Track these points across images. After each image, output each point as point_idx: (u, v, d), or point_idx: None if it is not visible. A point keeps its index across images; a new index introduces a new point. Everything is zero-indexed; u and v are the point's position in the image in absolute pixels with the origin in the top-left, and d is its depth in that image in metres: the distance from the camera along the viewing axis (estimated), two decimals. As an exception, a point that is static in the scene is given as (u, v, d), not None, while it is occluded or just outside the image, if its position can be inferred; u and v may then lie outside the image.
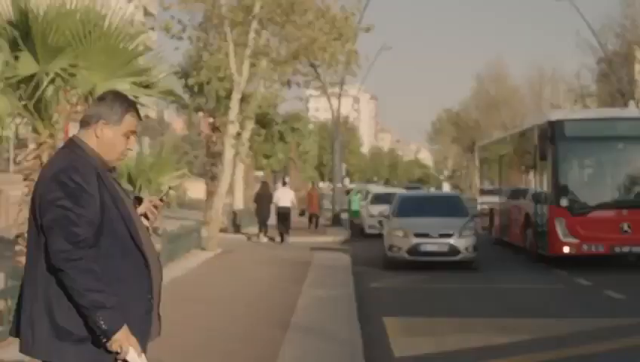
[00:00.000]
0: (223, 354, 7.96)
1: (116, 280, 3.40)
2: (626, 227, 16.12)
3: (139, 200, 3.79)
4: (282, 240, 24.28)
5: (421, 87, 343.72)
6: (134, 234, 3.50)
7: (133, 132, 3.62)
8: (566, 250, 16.18)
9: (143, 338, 3.46)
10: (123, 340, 3.32)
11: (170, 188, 4.00)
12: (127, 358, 3.37)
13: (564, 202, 16.27)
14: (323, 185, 58.56)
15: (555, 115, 17.32)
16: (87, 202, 3.37)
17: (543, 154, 16.99)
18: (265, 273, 15.16)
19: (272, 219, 25.00)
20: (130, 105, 3.61)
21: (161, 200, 3.81)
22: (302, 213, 32.06)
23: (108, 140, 3.56)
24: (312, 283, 13.56)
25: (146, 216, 3.77)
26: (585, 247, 16.10)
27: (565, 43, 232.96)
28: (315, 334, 9.01)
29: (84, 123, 3.59)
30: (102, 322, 3.28)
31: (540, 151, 17.25)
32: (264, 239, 24.81)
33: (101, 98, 3.63)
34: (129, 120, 3.58)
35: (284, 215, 24.61)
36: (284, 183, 28.00)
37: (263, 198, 25.43)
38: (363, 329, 9.48)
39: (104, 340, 3.32)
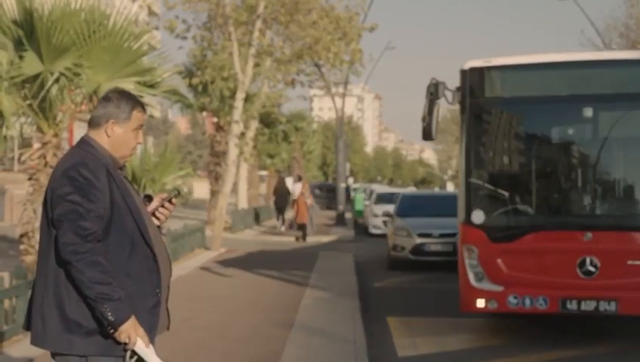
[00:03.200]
0: (226, 353, 7.98)
1: (124, 274, 3.50)
2: (589, 265, 8.45)
3: (149, 199, 3.88)
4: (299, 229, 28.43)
5: (425, 86, 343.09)
6: (143, 229, 3.58)
7: (142, 126, 3.75)
8: (480, 303, 8.88)
9: (151, 331, 3.55)
10: (130, 331, 3.40)
11: (179, 192, 4.05)
12: (135, 349, 3.44)
13: (477, 217, 8.88)
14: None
15: (472, 63, 9.24)
16: (96, 197, 3.45)
17: (461, 129, 9.46)
18: (268, 272, 15.16)
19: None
20: (135, 101, 3.72)
21: (170, 201, 3.87)
22: (291, 226, 27.51)
23: (119, 138, 3.66)
24: (316, 282, 13.57)
25: (155, 216, 3.84)
26: (513, 301, 8.70)
27: (569, 42, 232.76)
28: (319, 334, 9.02)
29: (95, 124, 3.69)
30: (109, 313, 3.36)
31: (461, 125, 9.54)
32: (282, 228, 28.69)
33: (107, 98, 3.71)
34: (136, 116, 3.70)
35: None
36: (300, 178, 31.52)
37: (280, 191, 29.66)
38: (366, 329, 9.49)
39: (111, 331, 3.40)
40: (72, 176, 3.46)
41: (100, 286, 3.36)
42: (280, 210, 29.45)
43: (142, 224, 3.59)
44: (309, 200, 25.31)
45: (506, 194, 9.18)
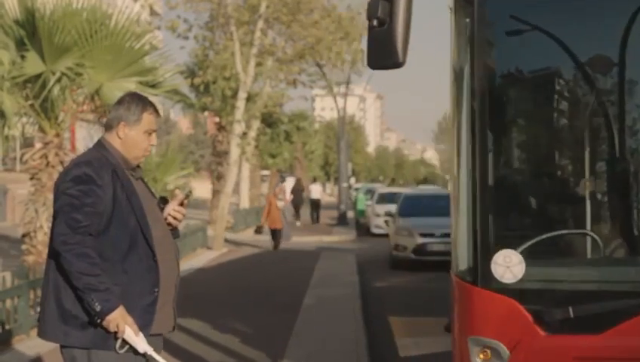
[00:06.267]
0: (227, 354, 7.98)
1: (121, 271, 3.61)
2: None
3: (164, 201, 3.98)
4: (314, 221, 32.12)
5: (427, 86, 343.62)
6: (145, 229, 3.68)
7: (154, 130, 3.86)
8: None
9: (146, 328, 3.64)
10: (118, 320, 3.50)
11: (190, 192, 4.17)
12: (125, 337, 3.53)
13: (507, 270, 3.43)
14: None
15: None
16: (95, 193, 3.57)
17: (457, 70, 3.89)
18: (270, 272, 15.17)
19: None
20: (146, 104, 3.84)
21: (181, 204, 3.96)
22: (258, 230, 22.72)
23: (130, 140, 3.79)
24: (318, 282, 13.57)
25: (173, 217, 3.94)
26: None
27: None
28: (320, 333, 9.02)
29: (108, 126, 3.85)
30: (96, 303, 3.47)
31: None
32: (298, 223, 30.89)
33: (119, 101, 3.86)
34: (147, 118, 3.81)
35: (315, 205, 33.10)
36: (315, 180, 37.01)
37: (297, 191, 33.29)
38: (368, 329, 9.49)
39: (99, 321, 3.50)
40: (75, 173, 3.61)
41: (86, 277, 3.47)
42: (296, 207, 32.59)
43: (144, 224, 3.68)
44: (282, 203, 21.52)
45: (575, 212, 4.08)
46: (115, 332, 3.52)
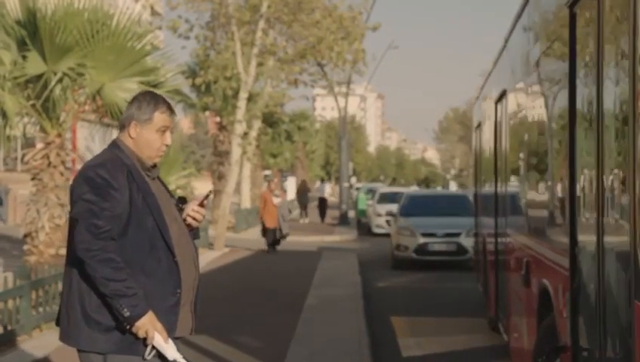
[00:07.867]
0: (230, 353, 7.97)
1: (141, 273, 3.53)
2: None
3: (183, 201, 3.92)
4: (322, 220, 33.53)
5: (428, 85, 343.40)
6: (163, 230, 3.61)
7: (167, 127, 3.76)
8: None
9: (171, 331, 3.57)
10: (148, 326, 3.43)
11: (210, 191, 4.14)
12: (154, 343, 3.45)
13: None
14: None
15: None
16: (112, 197, 3.50)
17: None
18: (271, 272, 15.15)
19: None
20: (158, 102, 3.74)
21: (200, 204, 3.90)
22: (264, 232, 19.80)
23: (142, 139, 3.71)
24: (319, 282, 13.56)
25: (193, 218, 3.87)
26: None
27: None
28: (322, 334, 9.01)
29: (121, 126, 3.78)
30: (124, 309, 3.39)
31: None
32: (306, 220, 33.86)
33: (132, 100, 3.79)
34: (159, 117, 3.71)
35: (322, 203, 35.01)
36: (322, 180, 41.96)
37: (302, 192, 36.18)
38: (370, 329, 9.48)
39: (128, 327, 3.42)
40: (90, 176, 3.53)
41: (113, 283, 3.39)
42: (302, 206, 35.35)
43: (162, 224, 3.61)
44: (278, 199, 19.98)
45: None
46: (145, 339, 3.43)
